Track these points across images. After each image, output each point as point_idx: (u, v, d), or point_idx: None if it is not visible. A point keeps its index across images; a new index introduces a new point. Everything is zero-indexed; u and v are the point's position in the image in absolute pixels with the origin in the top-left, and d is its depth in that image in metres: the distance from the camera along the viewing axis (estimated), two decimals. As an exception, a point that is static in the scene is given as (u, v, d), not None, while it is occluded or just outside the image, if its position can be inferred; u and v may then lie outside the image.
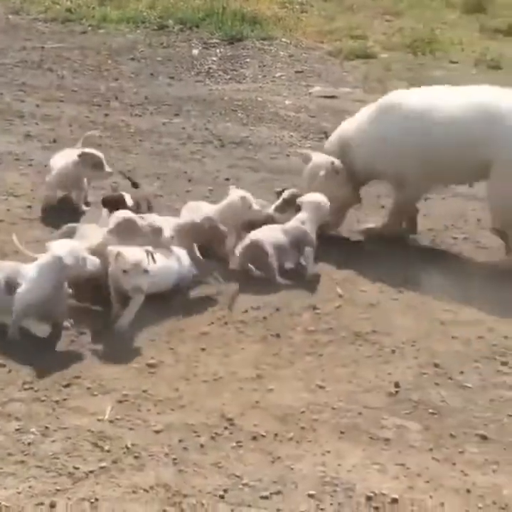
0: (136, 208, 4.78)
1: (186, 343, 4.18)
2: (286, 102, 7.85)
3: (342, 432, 3.61)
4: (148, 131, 6.96)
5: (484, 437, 3.63)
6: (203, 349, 4.13)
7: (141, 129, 6.99)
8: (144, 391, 3.78)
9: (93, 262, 4.11)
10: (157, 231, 4.40)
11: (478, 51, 9.94)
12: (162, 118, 7.28)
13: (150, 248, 4.22)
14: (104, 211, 4.73)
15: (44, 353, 4.02)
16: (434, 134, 5.01)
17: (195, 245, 4.71)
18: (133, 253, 4.16)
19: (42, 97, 7.62)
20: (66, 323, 4.17)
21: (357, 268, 4.95)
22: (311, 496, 3.24)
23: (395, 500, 3.25)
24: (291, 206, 5.04)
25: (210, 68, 8.85)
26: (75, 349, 4.08)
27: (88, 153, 5.24)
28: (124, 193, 4.86)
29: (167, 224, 4.55)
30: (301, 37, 10.12)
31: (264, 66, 9.03)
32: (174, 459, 3.39)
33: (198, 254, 4.71)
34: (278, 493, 3.25)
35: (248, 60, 9.20)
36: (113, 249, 4.19)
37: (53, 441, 3.44)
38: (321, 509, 3.20)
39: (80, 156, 5.22)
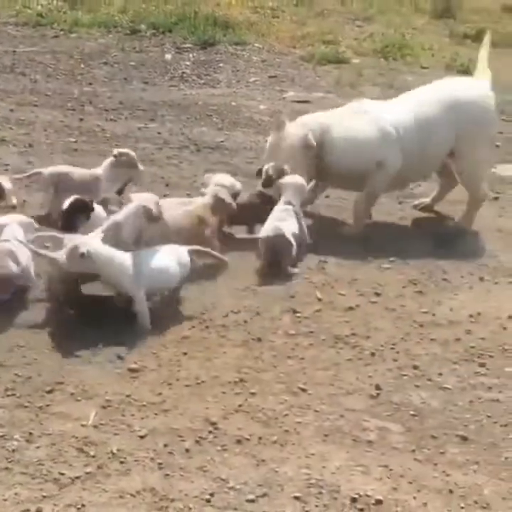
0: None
1: (168, 347, 4.19)
2: (261, 107, 7.87)
3: (325, 435, 3.65)
4: (123, 136, 6.95)
5: (464, 438, 3.68)
6: (185, 353, 4.14)
7: (117, 134, 6.98)
8: (128, 396, 3.79)
9: None
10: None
11: (448, 56, 10.05)
12: (137, 123, 7.28)
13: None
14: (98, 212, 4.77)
15: (25, 358, 4.02)
16: None
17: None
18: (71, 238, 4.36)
19: (15, 102, 7.59)
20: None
21: (334, 272, 5.00)
22: (296, 498, 3.28)
23: (379, 502, 3.30)
24: (276, 179, 5.27)
25: (183, 73, 8.85)
26: (56, 354, 4.07)
27: (124, 152, 5.38)
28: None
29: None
30: (274, 42, 10.15)
31: (237, 71, 9.05)
32: (160, 464, 3.40)
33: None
34: (264, 495, 3.28)
35: (221, 64, 9.21)
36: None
37: (38, 447, 3.44)
38: (307, 511, 3.23)
39: (115, 155, 5.30)
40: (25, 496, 3.19)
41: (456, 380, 4.08)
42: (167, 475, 3.35)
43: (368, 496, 3.32)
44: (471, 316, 4.61)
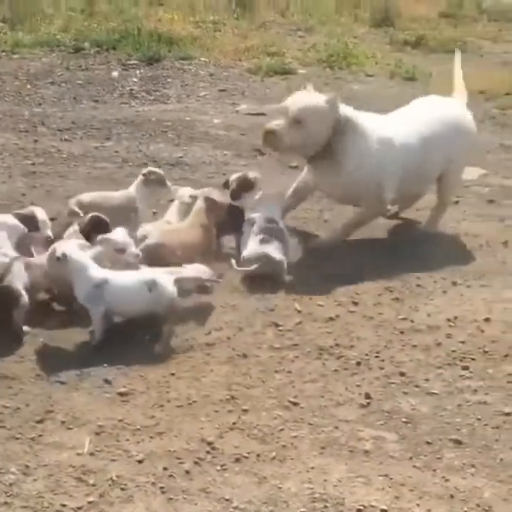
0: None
1: (154, 368, 4.14)
2: (215, 121, 7.87)
3: (322, 447, 3.64)
4: (81, 156, 6.87)
5: (459, 442, 3.71)
6: (173, 374, 4.09)
7: (74, 154, 6.89)
8: (120, 420, 3.73)
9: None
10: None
11: (392, 64, 10.22)
12: (93, 142, 7.20)
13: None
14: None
15: (11, 388, 3.93)
16: None
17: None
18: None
19: (-34, 125, 7.46)
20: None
21: (311, 284, 5.01)
22: (303, 513, 3.27)
23: (384, 512, 3.31)
24: (244, 190, 5.24)
25: (132, 89, 8.81)
26: (41, 382, 3.99)
27: (153, 171, 5.35)
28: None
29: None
30: (219, 55, 10.18)
31: (186, 85, 9.04)
32: (162, 488, 3.35)
33: None
34: (270, 513, 3.26)
35: (169, 80, 9.19)
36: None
37: (35, 479, 3.36)
38: (314, 526, 3.23)
39: (145, 175, 5.24)
40: (28, 530, 3.12)
41: (442, 385, 4.12)
42: (170, 499, 3.30)
43: (372, 506, 3.32)
44: (448, 320, 4.66)
